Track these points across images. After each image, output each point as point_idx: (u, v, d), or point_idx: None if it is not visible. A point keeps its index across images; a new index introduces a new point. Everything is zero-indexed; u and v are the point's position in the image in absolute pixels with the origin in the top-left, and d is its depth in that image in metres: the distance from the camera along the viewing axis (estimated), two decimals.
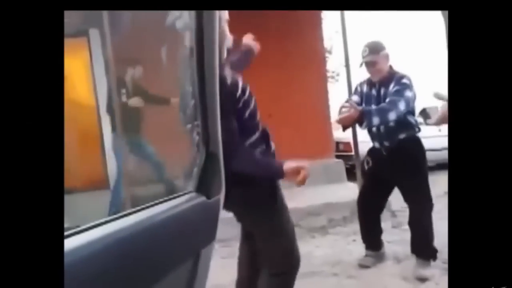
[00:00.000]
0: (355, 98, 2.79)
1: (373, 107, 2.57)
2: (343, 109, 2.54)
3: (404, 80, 2.58)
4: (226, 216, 4.53)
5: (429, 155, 6.73)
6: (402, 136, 2.65)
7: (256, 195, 1.62)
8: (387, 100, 2.53)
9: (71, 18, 4.76)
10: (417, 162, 2.69)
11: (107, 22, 3.41)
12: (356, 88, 2.90)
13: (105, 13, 3.41)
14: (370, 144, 2.87)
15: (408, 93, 2.53)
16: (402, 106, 2.48)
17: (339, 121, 2.58)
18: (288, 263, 1.70)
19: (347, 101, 2.77)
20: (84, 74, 5.31)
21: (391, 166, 2.68)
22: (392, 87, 2.58)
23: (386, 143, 2.69)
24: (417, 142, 2.73)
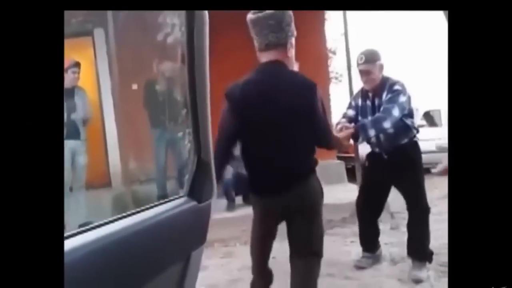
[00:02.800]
0: (350, 112, 2.82)
1: (368, 119, 2.59)
2: (338, 126, 2.55)
3: (396, 87, 2.60)
4: (224, 217, 4.58)
5: (431, 158, 6.75)
6: (404, 140, 2.68)
7: (315, 188, 1.83)
8: (381, 108, 2.56)
9: (77, 18, 4.82)
10: (416, 164, 2.72)
11: (111, 22, 3.45)
12: (350, 103, 2.92)
13: (109, 14, 3.45)
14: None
15: (401, 99, 2.55)
16: (396, 112, 2.50)
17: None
18: (322, 246, 1.89)
19: (343, 117, 2.79)
20: (89, 72, 5.37)
21: (391, 168, 2.70)
22: (385, 96, 2.61)
23: (388, 148, 2.72)
24: (416, 145, 2.76)
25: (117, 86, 3.68)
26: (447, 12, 1.13)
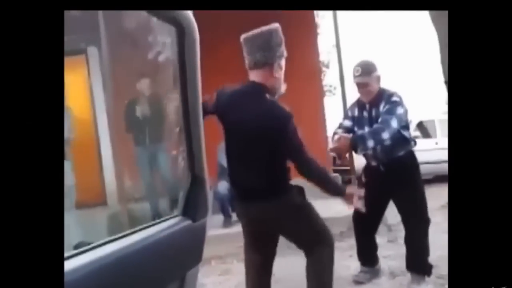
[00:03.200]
0: (347, 122, 2.79)
1: (366, 130, 2.57)
2: (336, 136, 2.53)
3: (394, 98, 2.58)
4: (220, 233, 4.52)
5: (427, 168, 6.74)
6: (400, 153, 2.65)
7: (291, 199, 1.95)
8: (379, 120, 2.54)
9: (70, 36, 4.84)
10: (414, 177, 2.70)
11: (105, 40, 3.47)
12: (346, 113, 2.90)
13: (102, 32, 3.47)
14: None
15: (399, 110, 2.54)
16: (394, 123, 2.48)
17: (332, 150, 2.57)
18: (329, 235, 2.06)
19: (339, 127, 2.78)
20: (82, 90, 5.37)
21: (389, 181, 2.67)
22: (382, 107, 2.59)
23: (384, 161, 2.70)
24: (413, 157, 2.73)
25: (111, 104, 3.67)
26: (433, 15, 1.14)
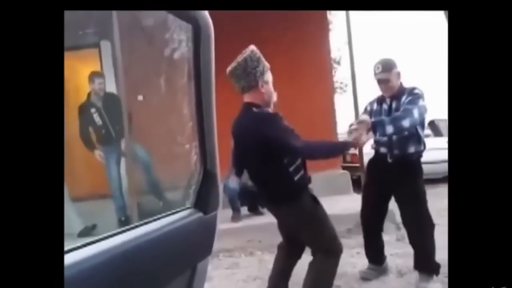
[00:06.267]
0: (364, 117, 2.78)
1: (385, 117, 2.55)
2: (352, 127, 2.44)
3: (416, 91, 2.61)
4: (230, 227, 4.56)
5: (437, 167, 6.66)
6: (411, 150, 2.66)
7: (301, 208, 2.10)
8: (401, 109, 2.54)
9: (84, 30, 4.89)
10: (417, 177, 2.69)
11: (118, 35, 3.50)
12: (365, 108, 2.92)
13: (115, 27, 3.50)
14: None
15: (421, 102, 2.53)
16: (416, 113, 2.45)
17: (352, 132, 2.52)
18: (336, 245, 2.18)
19: (358, 122, 2.76)
20: None
21: (393, 174, 2.67)
22: (404, 99, 2.61)
23: (396, 151, 2.70)
24: (419, 160, 2.72)
25: (123, 97, 3.71)
26: (447, 13, 1.13)
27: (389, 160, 2.72)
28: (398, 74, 2.70)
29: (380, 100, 2.79)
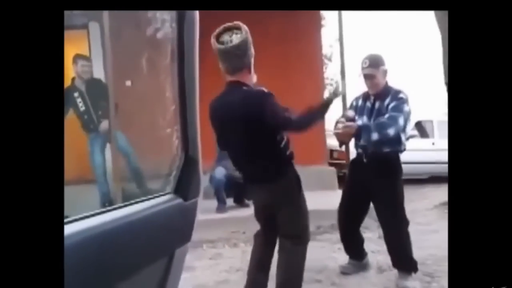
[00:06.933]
0: (350, 112, 2.79)
1: (371, 122, 2.58)
2: (339, 124, 2.58)
3: (401, 95, 2.61)
4: (214, 218, 4.55)
5: (423, 168, 6.75)
6: (387, 149, 2.66)
7: (288, 184, 2.14)
8: (387, 115, 2.54)
9: (73, 11, 4.79)
10: (394, 179, 2.69)
11: (107, 17, 3.44)
12: (351, 103, 2.93)
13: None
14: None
15: (406, 108, 2.57)
16: (401, 121, 2.51)
17: (337, 137, 2.65)
18: (307, 234, 2.25)
19: (342, 116, 2.79)
20: None
21: (370, 175, 2.68)
22: (388, 101, 2.60)
23: (368, 152, 2.70)
24: (398, 159, 2.72)
25: (111, 81, 3.64)
26: (438, 16, 1.13)
27: (364, 160, 2.73)
28: (385, 72, 2.70)
29: (365, 97, 2.79)
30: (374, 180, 2.66)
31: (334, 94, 2.35)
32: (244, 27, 2.00)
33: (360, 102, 2.81)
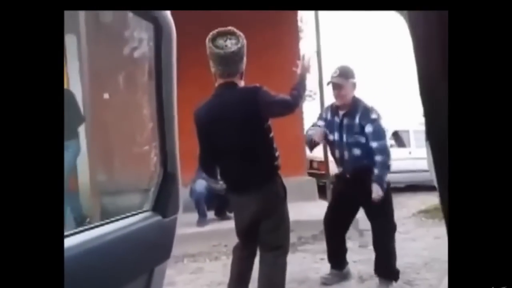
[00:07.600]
0: (320, 123, 2.86)
1: (376, 171, 2.61)
2: (310, 132, 2.74)
3: (374, 116, 2.64)
4: (194, 231, 4.47)
5: (400, 177, 6.87)
6: (366, 162, 2.69)
7: (276, 191, 2.14)
8: (376, 147, 2.60)
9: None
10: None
11: (84, 30, 3.40)
12: (321, 114, 2.97)
13: (82, 21, 3.40)
14: None
15: (383, 126, 2.68)
16: (389, 145, 2.69)
17: (308, 139, 2.75)
18: (288, 244, 2.25)
19: (313, 125, 2.87)
20: None
21: (356, 188, 2.71)
22: (358, 119, 2.64)
23: (349, 168, 2.74)
24: None
25: (87, 94, 3.57)
26: (409, 16, 1.15)
27: (348, 177, 2.76)
28: (354, 84, 2.72)
29: (333, 111, 2.80)
30: (361, 193, 2.67)
31: (305, 68, 2.38)
32: (239, 33, 2.03)
33: (329, 115, 2.83)
